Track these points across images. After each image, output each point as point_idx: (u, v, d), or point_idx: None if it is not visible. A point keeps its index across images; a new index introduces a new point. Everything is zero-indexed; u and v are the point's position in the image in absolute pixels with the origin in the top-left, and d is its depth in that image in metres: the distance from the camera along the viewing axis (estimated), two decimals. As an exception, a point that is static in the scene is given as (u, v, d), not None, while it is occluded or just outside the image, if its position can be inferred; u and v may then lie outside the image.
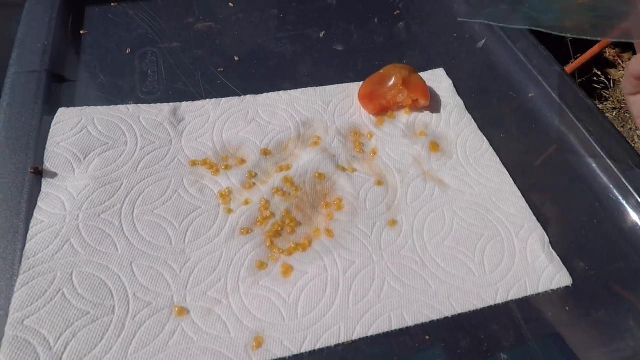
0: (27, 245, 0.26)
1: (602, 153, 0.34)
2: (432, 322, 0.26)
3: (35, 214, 0.27)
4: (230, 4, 0.46)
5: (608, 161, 0.33)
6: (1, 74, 0.37)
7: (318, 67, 0.41)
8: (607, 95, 1.09)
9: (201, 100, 0.36)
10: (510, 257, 0.28)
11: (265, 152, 0.33)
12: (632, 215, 0.31)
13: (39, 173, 0.29)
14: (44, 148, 0.31)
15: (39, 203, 0.28)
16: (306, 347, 0.24)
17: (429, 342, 0.25)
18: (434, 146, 0.34)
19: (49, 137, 0.31)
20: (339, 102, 0.37)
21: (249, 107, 0.36)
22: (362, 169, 0.33)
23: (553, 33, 0.24)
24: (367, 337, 0.25)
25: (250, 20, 0.45)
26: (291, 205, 0.30)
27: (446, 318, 0.26)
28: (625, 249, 0.30)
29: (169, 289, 0.26)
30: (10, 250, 0.26)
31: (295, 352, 0.24)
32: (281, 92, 0.37)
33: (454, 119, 0.36)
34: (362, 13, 0.47)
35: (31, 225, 0.27)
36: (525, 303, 0.27)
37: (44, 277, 0.25)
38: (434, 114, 0.37)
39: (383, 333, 0.25)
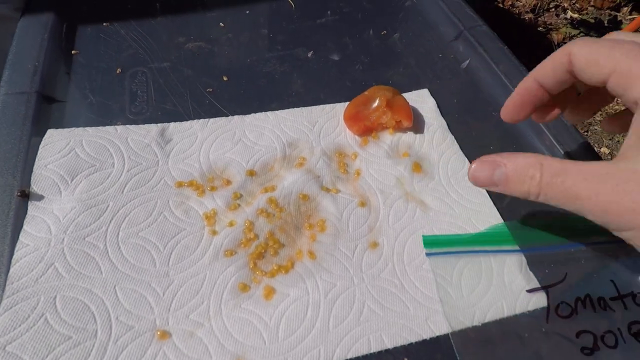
0: (12, 270, 0.26)
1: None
2: (411, 344, 0.26)
3: (20, 237, 0.28)
4: (221, 24, 0.47)
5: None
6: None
7: (306, 87, 0.42)
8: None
9: (189, 121, 0.37)
10: (488, 279, 0.29)
11: (251, 173, 0.34)
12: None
13: (26, 196, 0.30)
14: (32, 170, 0.31)
15: (24, 226, 0.28)
16: (286, 371, 0.25)
17: (407, 364, 0.26)
18: (417, 167, 0.35)
19: (36, 159, 0.32)
20: (325, 123, 0.38)
21: (236, 127, 0.37)
22: (346, 190, 0.33)
23: None
24: (346, 359, 0.26)
25: (240, 40, 0.46)
26: (275, 226, 0.31)
27: (424, 340, 0.27)
28: (602, 270, 0.31)
29: (152, 312, 0.26)
30: (-5, 273, 0.27)
31: (275, 376, 0.25)
32: (268, 113, 0.38)
33: (437, 140, 0.37)
34: (350, 33, 0.48)
35: (16, 248, 0.27)
36: (503, 323, 0.28)
37: (27, 301, 0.25)
38: (418, 135, 0.37)
39: (362, 355, 0.26)
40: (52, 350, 0.24)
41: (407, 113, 0.36)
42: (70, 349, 0.24)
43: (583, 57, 0.23)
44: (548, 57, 0.25)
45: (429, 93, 0.41)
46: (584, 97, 0.29)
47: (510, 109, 0.28)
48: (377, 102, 0.36)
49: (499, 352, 0.27)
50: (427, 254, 0.30)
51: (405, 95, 0.38)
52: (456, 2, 0.50)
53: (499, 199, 0.34)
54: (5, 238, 0.28)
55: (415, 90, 0.41)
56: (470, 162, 0.28)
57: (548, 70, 0.25)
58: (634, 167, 0.21)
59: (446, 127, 0.38)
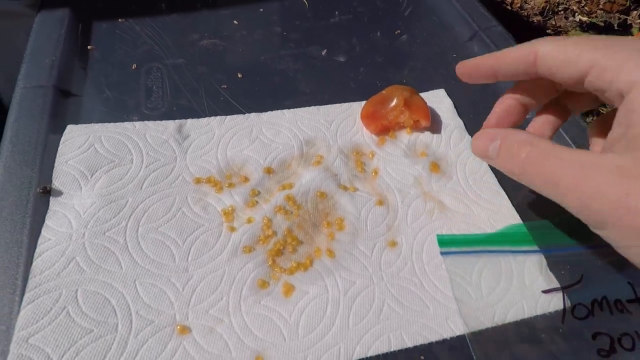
0: (34, 263, 0.26)
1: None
2: (430, 343, 0.26)
3: (42, 232, 0.28)
4: (235, 22, 0.47)
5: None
6: (10, 85, 0.38)
7: (320, 85, 0.42)
8: (604, 113, 1.10)
9: (206, 118, 0.37)
10: (508, 279, 0.29)
11: (269, 171, 0.34)
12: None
13: (48, 192, 0.30)
14: (50, 163, 0.32)
15: (46, 221, 0.28)
16: (306, 368, 0.25)
17: (425, 363, 0.26)
18: (435, 167, 0.35)
19: (57, 155, 0.32)
20: (342, 121, 0.38)
21: (253, 125, 0.37)
22: (364, 189, 0.33)
23: None
24: (366, 357, 0.25)
25: (254, 38, 0.46)
26: (293, 223, 0.31)
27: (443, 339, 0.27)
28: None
29: (172, 307, 0.26)
30: (14, 264, 0.27)
31: (296, 373, 0.25)
32: (285, 111, 0.38)
33: (454, 140, 0.37)
34: (364, 32, 0.48)
35: (39, 243, 0.27)
36: (520, 324, 0.28)
37: (50, 295, 0.25)
38: (435, 135, 0.37)
39: (381, 354, 0.26)
40: (74, 344, 0.24)
41: (425, 113, 0.36)
42: (92, 342, 0.24)
43: (554, 57, 0.21)
44: (510, 49, 0.24)
45: (445, 93, 0.41)
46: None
47: (469, 69, 0.27)
48: (394, 101, 0.36)
49: (515, 353, 0.27)
50: (442, 253, 0.30)
51: (422, 95, 0.38)
52: (471, 2, 0.50)
53: (516, 199, 0.34)
54: (24, 229, 0.28)
55: (430, 90, 0.41)
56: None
57: (508, 64, 0.24)
58: (618, 162, 0.18)
59: (463, 127, 0.38)
